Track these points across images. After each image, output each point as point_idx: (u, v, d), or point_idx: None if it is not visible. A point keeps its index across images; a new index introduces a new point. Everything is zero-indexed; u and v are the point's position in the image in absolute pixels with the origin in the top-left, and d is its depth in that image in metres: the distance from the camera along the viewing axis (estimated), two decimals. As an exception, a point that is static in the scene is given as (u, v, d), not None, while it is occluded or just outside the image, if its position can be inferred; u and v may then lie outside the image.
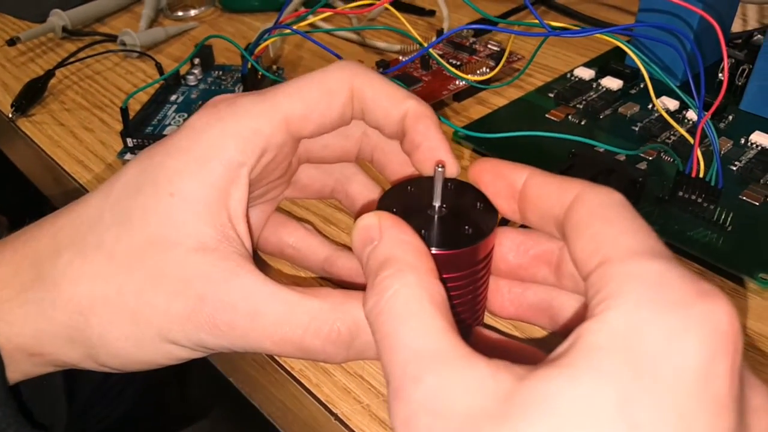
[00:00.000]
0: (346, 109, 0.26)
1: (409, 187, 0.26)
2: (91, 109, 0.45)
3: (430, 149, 0.25)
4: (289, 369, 0.27)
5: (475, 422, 0.17)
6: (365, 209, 0.31)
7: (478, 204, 0.25)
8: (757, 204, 0.35)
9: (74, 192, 0.39)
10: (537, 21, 0.31)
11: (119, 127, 0.43)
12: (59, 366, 0.26)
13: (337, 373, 0.27)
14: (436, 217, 0.24)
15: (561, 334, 0.26)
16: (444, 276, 0.23)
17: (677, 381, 0.16)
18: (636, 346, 0.17)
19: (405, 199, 0.25)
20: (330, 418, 0.26)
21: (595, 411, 0.16)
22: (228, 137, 0.25)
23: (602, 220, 0.20)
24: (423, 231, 0.23)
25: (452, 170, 0.26)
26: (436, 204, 0.24)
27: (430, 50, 0.36)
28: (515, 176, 0.24)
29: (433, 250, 0.23)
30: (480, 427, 0.17)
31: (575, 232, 0.21)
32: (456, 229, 0.24)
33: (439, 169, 0.24)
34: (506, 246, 0.26)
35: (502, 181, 0.24)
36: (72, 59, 0.49)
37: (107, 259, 0.24)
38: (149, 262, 0.24)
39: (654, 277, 0.18)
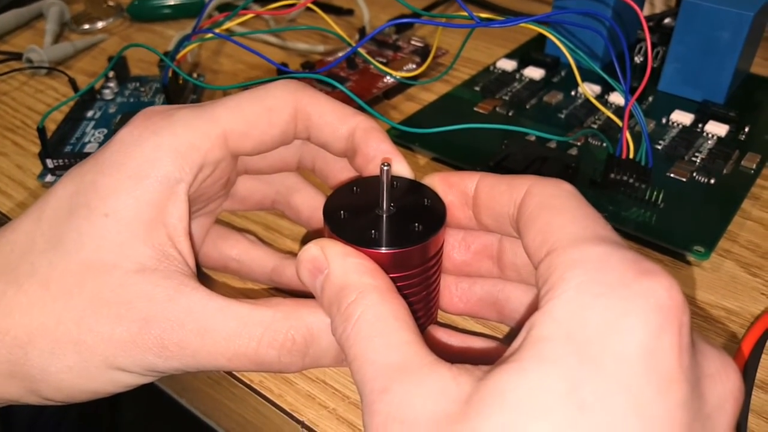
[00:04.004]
0: (288, 127, 0.26)
1: (354, 188, 0.25)
2: (2, 132, 0.43)
3: (383, 161, 0.25)
4: (248, 382, 0.26)
5: (440, 427, 0.18)
6: (311, 220, 0.30)
7: (426, 200, 0.25)
8: (685, 180, 0.36)
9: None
10: (457, 14, 0.32)
11: (35, 148, 0.41)
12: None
13: (299, 381, 0.26)
14: (384, 216, 0.24)
15: (516, 328, 0.27)
16: (397, 275, 0.23)
17: (622, 360, 0.17)
18: (578, 332, 0.17)
19: (351, 200, 0.25)
20: (297, 426, 0.25)
21: (544, 399, 0.17)
22: (163, 151, 0.24)
23: (550, 211, 0.21)
24: (372, 231, 0.23)
25: (405, 173, 0.26)
26: (384, 203, 0.24)
27: (359, 49, 0.36)
28: (466, 184, 0.25)
29: (384, 250, 0.23)
30: (444, 430, 0.17)
31: (526, 225, 0.22)
32: (405, 226, 0.24)
33: (385, 167, 0.23)
34: (449, 244, 0.27)
35: (454, 191, 0.25)
36: (-25, 80, 0.46)
37: (42, 288, 0.23)
38: (87, 287, 0.23)
39: (594, 261, 0.19)
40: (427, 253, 0.24)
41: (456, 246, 0.27)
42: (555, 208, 0.21)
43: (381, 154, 0.25)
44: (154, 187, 0.23)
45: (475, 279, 0.27)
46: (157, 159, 0.24)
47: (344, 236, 0.23)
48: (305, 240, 0.33)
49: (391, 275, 0.23)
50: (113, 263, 0.23)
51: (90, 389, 0.23)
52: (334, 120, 0.26)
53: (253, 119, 0.25)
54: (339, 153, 0.27)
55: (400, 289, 0.23)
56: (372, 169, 0.25)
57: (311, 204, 0.30)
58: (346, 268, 0.22)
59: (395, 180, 0.25)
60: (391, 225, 0.24)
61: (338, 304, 0.21)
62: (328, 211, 0.24)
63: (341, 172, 0.28)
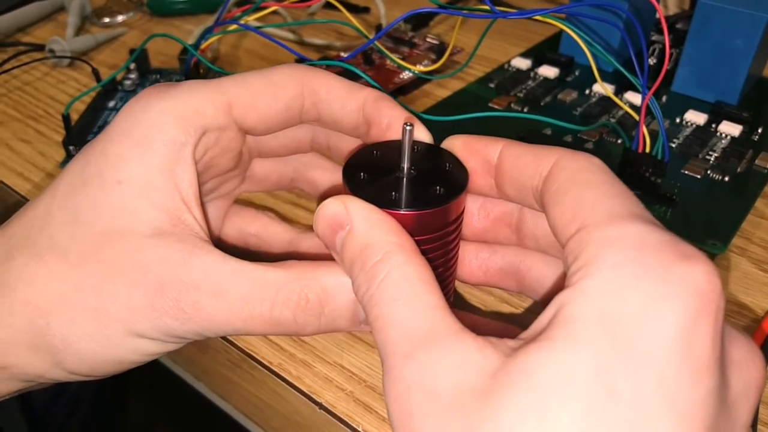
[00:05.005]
0: (294, 103, 0.26)
1: (374, 151, 0.25)
2: (25, 120, 0.43)
3: (405, 122, 0.25)
4: (267, 364, 0.27)
5: (463, 399, 0.17)
6: (332, 192, 0.30)
7: (447, 165, 0.25)
8: (699, 177, 0.36)
9: (16, 205, 0.37)
10: (474, 8, 0.32)
11: (57, 137, 0.41)
12: (27, 380, 0.24)
13: (317, 364, 0.27)
14: (405, 178, 0.24)
15: (540, 302, 0.27)
16: (416, 239, 0.23)
17: (656, 346, 0.16)
18: (613, 314, 0.17)
19: (372, 162, 0.24)
20: (315, 408, 0.26)
21: (574, 381, 0.16)
22: (168, 116, 0.24)
23: (581, 185, 0.20)
24: (393, 192, 0.23)
25: (425, 138, 0.25)
26: (405, 165, 0.24)
27: (377, 43, 0.37)
28: (489, 151, 0.24)
29: (404, 211, 0.22)
30: (467, 403, 0.17)
31: (554, 199, 0.21)
32: (426, 189, 0.23)
33: (408, 128, 0.23)
34: (468, 210, 0.26)
35: (476, 158, 0.24)
36: (-2, 70, 0.47)
37: (62, 258, 0.23)
38: (104, 254, 0.23)
39: (632, 240, 0.18)
40: (447, 217, 0.23)
41: (475, 213, 0.26)
42: (586, 183, 0.20)
43: (395, 120, 0.25)
44: (162, 151, 0.24)
45: (495, 249, 0.27)
46: (162, 123, 0.24)
47: (364, 196, 0.22)
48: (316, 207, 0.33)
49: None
50: (129, 229, 0.23)
51: (112, 358, 0.23)
52: (343, 94, 0.26)
53: (258, 91, 0.25)
54: (350, 130, 0.27)
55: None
56: (389, 138, 0.25)
57: (330, 178, 0.30)
58: (370, 225, 0.22)
59: (415, 144, 0.25)
60: (411, 187, 0.23)
61: (362, 262, 0.21)
62: (348, 172, 0.24)
63: (356, 145, 0.28)
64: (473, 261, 0.27)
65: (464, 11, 0.33)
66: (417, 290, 0.20)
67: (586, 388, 0.16)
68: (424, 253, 0.23)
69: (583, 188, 0.20)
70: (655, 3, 0.31)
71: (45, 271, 0.23)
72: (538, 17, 0.31)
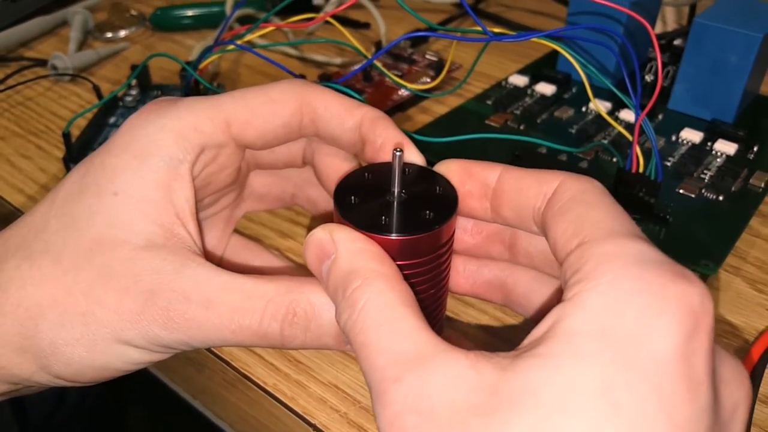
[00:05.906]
0: (292, 119, 0.26)
1: (366, 174, 0.25)
2: (26, 136, 0.44)
3: (395, 147, 0.25)
4: (262, 385, 0.27)
5: (462, 417, 0.17)
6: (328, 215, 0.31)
7: (438, 188, 0.25)
8: (693, 196, 0.37)
9: (10, 215, 0.38)
10: (472, 28, 0.33)
11: (58, 152, 0.42)
12: (13, 382, 0.24)
13: (312, 384, 0.27)
14: (395, 202, 0.24)
15: (531, 319, 0.27)
16: (406, 263, 0.23)
17: (656, 361, 0.17)
18: (613, 328, 0.17)
19: (363, 186, 0.25)
20: (309, 429, 0.26)
21: (580, 398, 0.17)
22: (167, 132, 0.25)
23: (583, 205, 0.21)
24: (383, 217, 0.23)
25: (417, 160, 0.26)
26: (395, 189, 0.24)
27: (376, 62, 0.37)
28: (487, 175, 0.24)
29: (393, 236, 0.23)
30: (467, 422, 0.17)
31: (556, 217, 0.21)
32: (417, 214, 0.24)
33: (397, 153, 0.23)
34: (461, 226, 0.27)
35: (473, 180, 0.25)
36: (1, 86, 0.47)
37: (55, 263, 0.23)
38: (96, 261, 0.23)
39: (631, 257, 0.19)
40: (437, 241, 0.24)
41: (468, 229, 0.27)
42: (588, 203, 0.21)
43: (389, 141, 0.25)
44: (159, 166, 0.24)
45: (484, 261, 0.27)
46: (161, 139, 0.24)
47: (354, 221, 0.23)
48: (312, 226, 0.34)
49: (401, 262, 0.23)
50: (122, 239, 0.23)
51: (98, 364, 0.23)
52: (341, 111, 0.26)
53: (257, 108, 0.26)
54: (348, 147, 0.27)
55: (408, 278, 0.22)
56: (382, 158, 0.26)
57: (329, 197, 0.30)
58: (353, 254, 0.22)
59: (407, 167, 0.25)
60: (401, 212, 0.24)
61: (343, 289, 0.21)
62: (339, 195, 0.24)
63: (342, 165, 0.28)
64: (461, 272, 0.28)
65: (458, 34, 0.33)
66: (398, 314, 0.20)
67: (593, 404, 0.17)
68: (413, 276, 0.23)
69: (585, 207, 0.21)
70: (648, 26, 0.31)
71: (37, 275, 0.23)
72: (533, 39, 0.32)
